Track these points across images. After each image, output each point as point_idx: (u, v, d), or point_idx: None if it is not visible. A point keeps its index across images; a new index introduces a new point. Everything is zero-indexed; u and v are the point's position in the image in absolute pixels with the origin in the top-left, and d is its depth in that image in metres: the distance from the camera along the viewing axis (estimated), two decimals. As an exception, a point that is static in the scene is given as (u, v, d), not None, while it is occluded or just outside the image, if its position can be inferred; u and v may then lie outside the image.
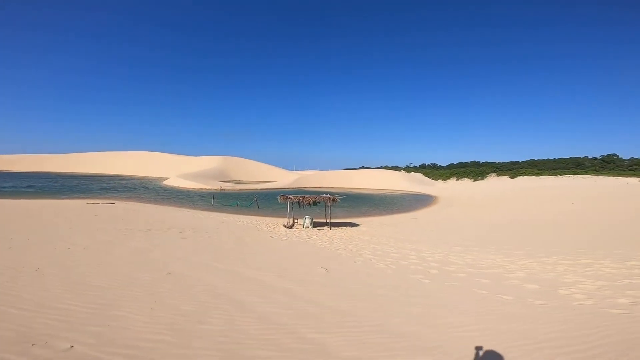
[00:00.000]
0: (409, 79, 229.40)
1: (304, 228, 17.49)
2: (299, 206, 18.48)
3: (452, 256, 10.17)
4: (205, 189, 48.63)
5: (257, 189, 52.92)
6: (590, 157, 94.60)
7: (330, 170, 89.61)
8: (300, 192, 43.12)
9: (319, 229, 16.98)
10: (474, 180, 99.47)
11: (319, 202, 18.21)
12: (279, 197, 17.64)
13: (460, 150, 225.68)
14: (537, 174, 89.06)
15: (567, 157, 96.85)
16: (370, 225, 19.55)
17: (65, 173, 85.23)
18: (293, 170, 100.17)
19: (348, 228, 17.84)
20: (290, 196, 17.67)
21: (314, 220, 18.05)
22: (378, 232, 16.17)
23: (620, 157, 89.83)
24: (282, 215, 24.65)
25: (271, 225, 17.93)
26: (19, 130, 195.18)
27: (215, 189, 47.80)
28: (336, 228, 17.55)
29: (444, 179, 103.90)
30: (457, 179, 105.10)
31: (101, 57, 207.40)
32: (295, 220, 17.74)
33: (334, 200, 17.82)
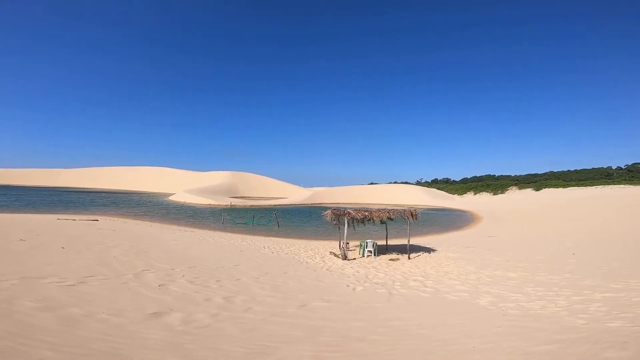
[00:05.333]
0: (413, 90, 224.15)
1: (364, 257, 11.80)
2: (348, 225, 12.76)
3: None
4: (213, 204, 43.27)
5: (270, 205, 47.37)
6: (614, 167, 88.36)
7: (339, 186, 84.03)
8: (319, 208, 37.51)
9: (391, 259, 11.24)
10: (494, 194, 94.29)
11: (392, 219, 12.30)
12: (327, 214, 11.94)
13: (471, 163, 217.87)
14: (564, 186, 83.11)
15: (589, 167, 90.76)
16: (450, 247, 13.73)
17: (70, 187, 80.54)
18: (306, 187, 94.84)
19: (426, 255, 12.09)
20: (350, 211, 11.96)
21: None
22: (491, 261, 10.34)
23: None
24: (311, 236, 18.98)
25: (312, 253, 12.21)
26: (31, 145, 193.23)
27: (225, 205, 42.54)
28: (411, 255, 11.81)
29: (460, 194, 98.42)
30: (475, 193, 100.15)
31: (111, 76, 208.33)
32: (346, 246, 12.13)
33: (415, 216, 12.05)
